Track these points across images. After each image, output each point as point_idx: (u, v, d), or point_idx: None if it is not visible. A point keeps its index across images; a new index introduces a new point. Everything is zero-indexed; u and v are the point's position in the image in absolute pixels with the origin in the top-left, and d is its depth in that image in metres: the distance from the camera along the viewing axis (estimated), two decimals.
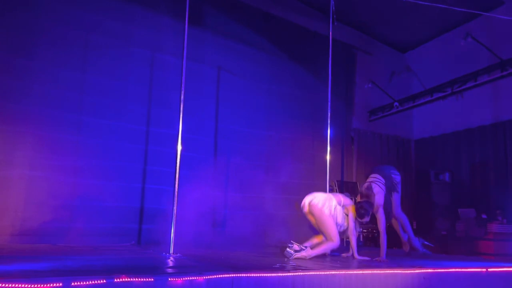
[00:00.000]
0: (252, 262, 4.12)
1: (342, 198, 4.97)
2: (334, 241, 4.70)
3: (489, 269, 4.06)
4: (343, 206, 4.90)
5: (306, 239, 5.07)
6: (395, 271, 3.64)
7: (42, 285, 2.23)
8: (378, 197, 5.01)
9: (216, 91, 7.12)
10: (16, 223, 5.21)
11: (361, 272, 3.45)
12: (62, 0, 5.87)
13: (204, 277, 2.72)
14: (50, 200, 5.46)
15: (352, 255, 4.87)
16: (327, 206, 4.79)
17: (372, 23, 9.02)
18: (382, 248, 4.85)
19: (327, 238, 4.77)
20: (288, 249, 4.47)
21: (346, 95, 9.04)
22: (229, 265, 3.69)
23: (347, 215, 4.89)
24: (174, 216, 4.40)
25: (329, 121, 5.96)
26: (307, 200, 4.91)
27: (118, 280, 2.43)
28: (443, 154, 9.05)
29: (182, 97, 4.68)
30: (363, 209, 4.79)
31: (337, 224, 4.81)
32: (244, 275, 2.89)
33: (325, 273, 3.27)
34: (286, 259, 4.32)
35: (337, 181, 8.06)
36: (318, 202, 4.80)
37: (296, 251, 4.45)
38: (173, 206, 4.43)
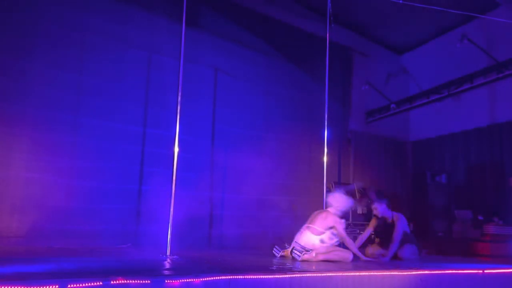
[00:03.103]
0: (249, 263, 4.12)
1: (326, 220, 4.84)
2: (347, 254, 4.68)
3: (485, 271, 4.07)
4: (330, 228, 4.82)
5: None
6: (392, 273, 3.65)
7: (38, 287, 2.22)
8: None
9: (213, 92, 7.12)
10: (12, 224, 5.20)
11: (358, 274, 3.45)
12: (58, 2, 5.86)
13: (201, 279, 2.71)
14: (46, 202, 5.44)
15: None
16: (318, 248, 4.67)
17: (369, 25, 9.04)
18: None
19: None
20: (295, 250, 4.52)
21: (343, 96, 9.06)
22: (226, 266, 3.69)
23: (335, 227, 4.84)
24: (171, 218, 4.39)
25: (326, 123, 5.97)
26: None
27: (114, 282, 2.42)
28: (440, 155, 9.07)
29: (179, 98, 4.67)
30: None
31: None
32: (241, 277, 2.89)
33: (322, 274, 3.27)
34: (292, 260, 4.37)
35: (334, 182, 8.06)
36: (313, 255, 4.59)
37: (304, 251, 4.47)
38: (170, 208, 4.42)
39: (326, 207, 5.17)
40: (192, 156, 6.52)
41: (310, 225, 4.80)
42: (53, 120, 5.65)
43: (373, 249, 5.51)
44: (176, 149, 4.57)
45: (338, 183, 8.17)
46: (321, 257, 4.53)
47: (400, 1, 5.94)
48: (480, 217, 7.28)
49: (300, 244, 4.62)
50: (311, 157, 7.79)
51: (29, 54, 5.58)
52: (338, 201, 4.99)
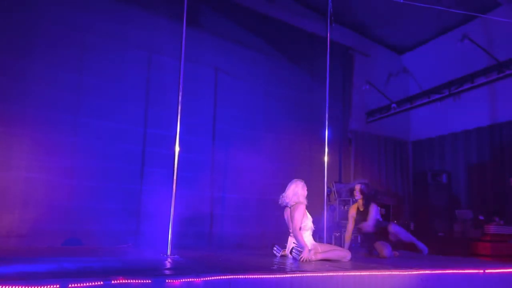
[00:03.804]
0: (249, 263, 4.12)
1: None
2: (345, 253, 4.70)
3: (486, 270, 4.06)
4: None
5: None
6: (393, 273, 3.64)
7: (39, 287, 2.21)
8: None
9: (214, 92, 7.12)
10: (13, 224, 5.20)
11: (358, 273, 3.45)
12: (59, 2, 5.86)
13: (202, 279, 2.71)
14: (47, 202, 5.44)
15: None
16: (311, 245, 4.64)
17: (370, 25, 9.04)
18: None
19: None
20: (294, 250, 4.55)
21: (343, 96, 9.06)
22: (227, 266, 3.69)
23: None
24: (172, 217, 4.39)
25: (326, 123, 5.95)
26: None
27: (115, 282, 2.42)
28: (440, 155, 9.07)
29: (180, 98, 4.67)
30: None
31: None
32: (242, 276, 2.89)
33: (323, 274, 3.27)
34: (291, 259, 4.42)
35: (334, 182, 8.06)
36: (312, 254, 4.54)
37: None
38: (170, 207, 4.42)
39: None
40: (193, 156, 6.52)
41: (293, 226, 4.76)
42: (53, 120, 5.65)
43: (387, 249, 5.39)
44: (177, 149, 4.57)
45: (339, 183, 8.18)
46: (320, 256, 4.53)
47: (401, 1, 5.93)
48: (480, 217, 7.28)
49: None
50: (312, 157, 7.78)
51: (29, 54, 5.57)
52: (289, 191, 4.82)
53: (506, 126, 7.80)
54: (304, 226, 4.67)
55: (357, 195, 5.67)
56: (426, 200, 8.04)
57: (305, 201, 4.75)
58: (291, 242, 4.76)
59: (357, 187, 5.70)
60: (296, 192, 4.75)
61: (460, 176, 8.52)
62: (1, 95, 5.31)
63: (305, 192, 4.79)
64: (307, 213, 4.78)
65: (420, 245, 5.53)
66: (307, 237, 4.68)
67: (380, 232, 5.55)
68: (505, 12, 7.44)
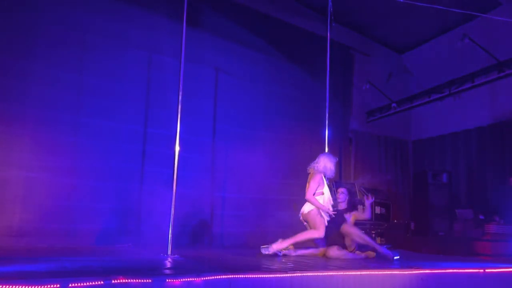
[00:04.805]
0: (249, 263, 4.12)
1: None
2: (320, 231, 4.82)
3: (486, 270, 4.07)
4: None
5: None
6: (393, 272, 3.65)
7: (39, 286, 2.22)
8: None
9: (214, 92, 7.12)
10: (13, 224, 5.20)
11: (359, 273, 3.45)
12: (59, 2, 5.86)
13: (202, 278, 2.71)
14: (47, 201, 5.45)
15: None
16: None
17: (370, 24, 9.04)
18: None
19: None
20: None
21: (344, 96, 9.05)
22: (227, 266, 3.69)
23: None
24: (172, 217, 4.40)
25: (327, 122, 5.96)
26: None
27: (115, 281, 2.42)
28: (441, 155, 9.07)
29: (180, 98, 4.68)
30: None
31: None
32: (242, 276, 2.89)
33: (323, 274, 3.27)
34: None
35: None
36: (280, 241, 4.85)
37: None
38: (171, 207, 4.42)
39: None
40: (193, 156, 6.52)
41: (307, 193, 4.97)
42: (53, 120, 5.65)
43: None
44: (177, 148, 4.58)
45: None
46: (289, 242, 4.75)
47: (401, 0, 5.93)
48: (481, 216, 7.28)
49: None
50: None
51: (29, 54, 5.57)
52: (320, 160, 5.13)
53: (506, 126, 7.79)
54: (318, 192, 4.90)
55: (341, 198, 5.62)
56: (427, 200, 8.02)
57: (326, 173, 5.03)
58: (304, 207, 4.97)
59: (340, 189, 5.73)
60: (326, 164, 5.02)
61: (461, 175, 8.52)
62: (1, 95, 5.31)
63: (334, 169, 5.10)
64: (324, 181, 5.01)
65: (384, 250, 5.00)
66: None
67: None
68: (505, 12, 7.43)
